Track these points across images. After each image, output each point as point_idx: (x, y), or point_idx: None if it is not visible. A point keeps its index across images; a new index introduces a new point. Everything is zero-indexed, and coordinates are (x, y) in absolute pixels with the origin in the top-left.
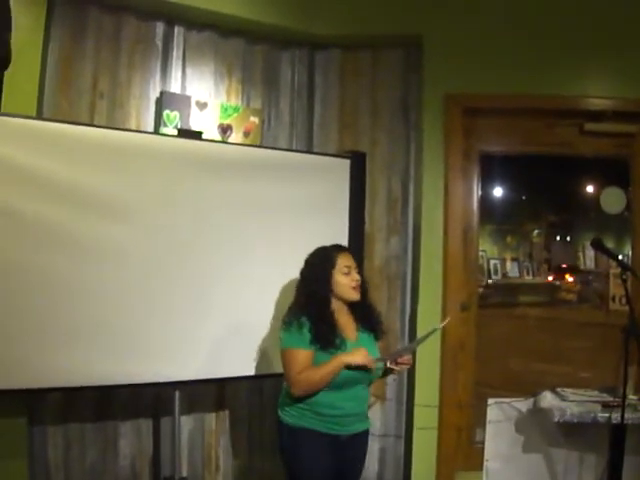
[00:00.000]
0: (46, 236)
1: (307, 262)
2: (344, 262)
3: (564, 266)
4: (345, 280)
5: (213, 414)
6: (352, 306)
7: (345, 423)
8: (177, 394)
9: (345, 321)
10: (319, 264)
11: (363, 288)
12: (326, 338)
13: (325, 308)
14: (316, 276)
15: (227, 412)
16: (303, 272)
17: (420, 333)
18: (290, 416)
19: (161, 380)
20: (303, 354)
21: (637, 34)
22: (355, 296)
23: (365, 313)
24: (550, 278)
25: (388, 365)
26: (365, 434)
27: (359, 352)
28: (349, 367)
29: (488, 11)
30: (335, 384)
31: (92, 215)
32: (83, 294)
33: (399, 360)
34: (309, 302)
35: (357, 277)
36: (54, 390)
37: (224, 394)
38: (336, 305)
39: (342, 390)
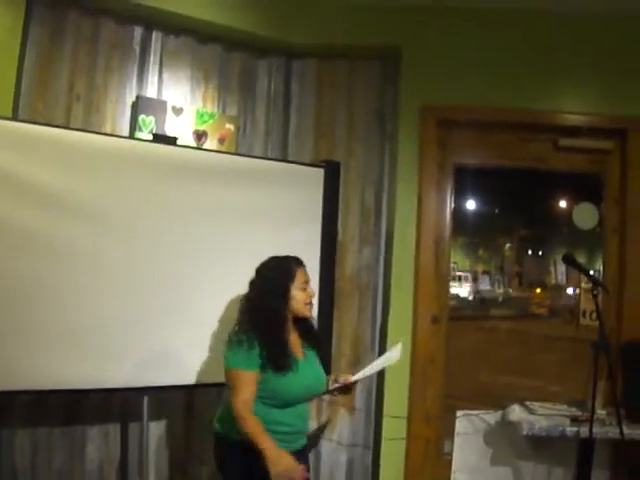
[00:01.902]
0: (18, 239)
1: (261, 273)
2: (302, 277)
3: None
4: (301, 296)
5: (182, 421)
6: (296, 322)
7: (290, 440)
8: (146, 400)
9: (293, 338)
10: (277, 277)
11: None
12: (279, 361)
13: (280, 325)
14: (271, 288)
15: (196, 419)
16: (256, 283)
17: (377, 359)
18: (232, 430)
19: (130, 385)
20: (249, 376)
21: (614, 51)
22: (307, 312)
23: (308, 330)
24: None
25: (330, 389)
26: (304, 450)
27: (284, 461)
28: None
29: (465, 24)
30: (284, 403)
31: (66, 218)
32: (53, 297)
33: (341, 381)
34: (263, 318)
35: (313, 293)
36: (22, 393)
37: (193, 401)
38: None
39: (290, 408)
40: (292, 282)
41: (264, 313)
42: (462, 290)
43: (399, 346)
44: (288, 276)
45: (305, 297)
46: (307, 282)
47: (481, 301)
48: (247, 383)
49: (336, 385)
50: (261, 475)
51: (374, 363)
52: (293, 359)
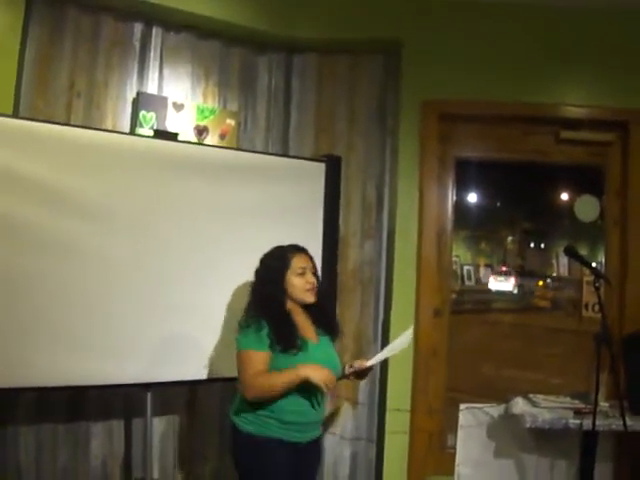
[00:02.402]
0: (20, 236)
1: (262, 262)
2: (299, 263)
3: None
4: (299, 282)
5: (185, 416)
6: (308, 308)
7: (306, 430)
8: (149, 396)
9: (303, 322)
10: (273, 264)
11: (319, 290)
12: (287, 339)
13: (281, 309)
14: (270, 277)
15: (199, 414)
16: (258, 272)
17: (390, 344)
18: (250, 423)
19: (133, 381)
20: (260, 356)
21: (615, 43)
22: (309, 298)
23: (321, 315)
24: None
25: (347, 373)
26: (318, 441)
27: (323, 371)
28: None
29: (467, 19)
30: (300, 390)
31: (67, 214)
32: (56, 294)
33: (359, 372)
34: (265, 303)
35: (312, 279)
36: (26, 390)
37: (196, 396)
38: (292, 307)
39: (306, 397)
40: (287, 269)
41: (266, 299)
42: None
43: (410, 331)
44: (283, 264)
45: (303, 283)
46: (305, 268)
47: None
48: (258, 362)
49: (351, 370)
50: (282, 470)
51: (387, 348)
52: (302, 340)
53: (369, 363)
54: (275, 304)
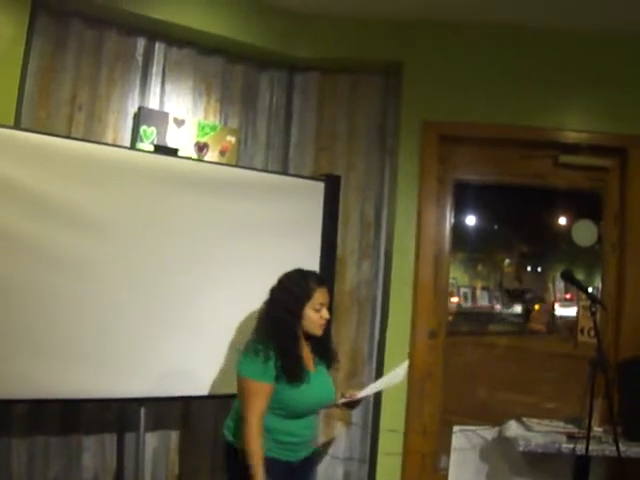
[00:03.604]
0: (17, 247)
1: (283, 284)
2: (320, 299)
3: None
4: (315, 317)
5: (178, 432)
6: (308, 337)
7: (299, 449)
8: (142, 410)
9: (305, 352)
10: (295, 292)
11: (328, 324)
12: (293, 372)
13: (293, 340)
14: (289, 304)
15: (192, 430)
16: (276, 293)
17: (385, 376)
18: (243, 442)
19: (127, 396)
20: (265, 388)
21: (614, 70)
22: (319, 332)
23: (320, 344)
24: (519, 309)
25: (338, 404)
26: (311, 458)
27: None
28: None
29: (468, 41)
30: (295, 414)
31: (66, 227)
32: (51, 307)
33: (350, 403)
34: (278, 329)
35: (327, 315)
36: (19, 402)
37: (190, 412)
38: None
39: (301, 419)
40: (308, 301)
41: (278, 326)
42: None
43: (405, 365)
44: (305, 295)
45: (318, 318)
46: (323, 304)
47: (479, 316)
48: (261, 395)
49: (342, 400)
50: None
51: (379, 381)
52: (306, 371)
53: (361, 395)
54: (288, 334)
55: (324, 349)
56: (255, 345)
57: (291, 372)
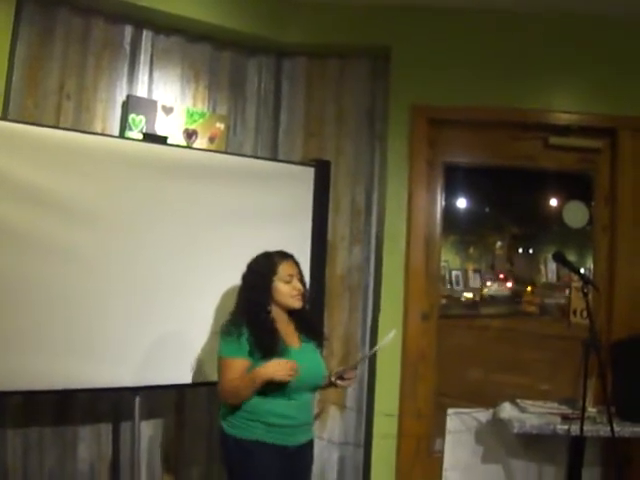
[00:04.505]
0: (6, 237)
1: (249, 267)
2: (286, 270)
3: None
4: (286, 288)
5: (173, 420)
6: (292, 315)
7: (294, 433)
8: (137, 400)
9: (286, 329)
10: (260, 270)
11: (305, 297)
12: (267, 346)
13: (264, 315)
14: (257, 283)
15: (187, 418)
16: (245, 277)
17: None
18: (235, 427)
19: (121, 385)
20: (238, 363)
21: (604, 50)
22: (295, 304)
23: (305, 322)
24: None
25: (332, 380)
26: (310, 444)
27: (278, 365)
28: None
29: (455, 24)
30: (282, 392)
31: (55, 217)
32: (43, 297)
33: (345, 376)
34: (248, 308)
35: (298, 286)
36: (14, 393)
37: (185, 400)
38: (276, 313)
39: (292, 398)
40: (275, 275)
41: (250, 305)
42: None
43: (392, 334)
44: (270, 269)
45: (290, 290)
46: (292, 275)
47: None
48: (235, 369)
49: (336, 374)
50: (270, 473)
51: (369, 350)
52: (283, 346)
53: (351, 365)
54: (258, 310)
55: (307, 325)
56: (229, 325)
57: (264, 346)
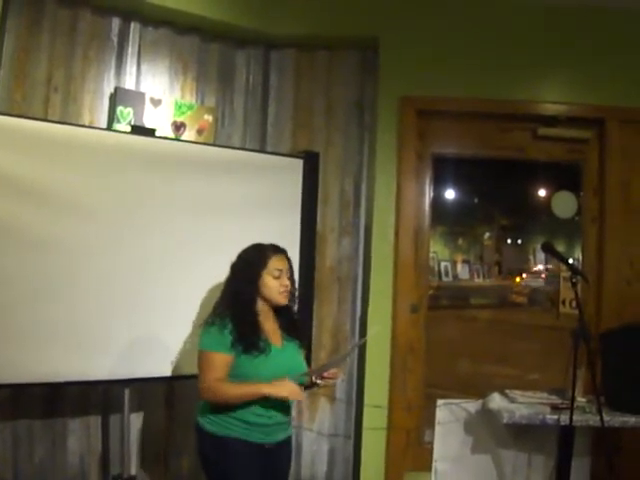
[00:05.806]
0: None
1: (239, 257)
2: (276, 265)
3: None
4: (273, 283)
5: (163, 412)
6: (277, 312)
7: (271, 432)
8: (127, 392)
9: (270, 326)
10: (250, 261)
11: (293, 295)
12: (249, 341)
13: (249, 309)
14: (244, 274)
15: (177, 410)
16: (233, 266)
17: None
18: (213, 424)
19: (111, 378)
20: (221, 358)
21: (592, 41)
22: (281, 300)
23: (291, 321)
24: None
25: (314, 380)
26: (288, 442)
27: (285, 386)
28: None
29: (444, 15)
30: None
31: (43, 209)
32: (31, 290)
33: (325, 375)
34: (234, 300)
35: (286, 282)
36: (2, 387)
37: (174, 392)
38: (262, 308)
39: (271, 398)
40: (264, 268)
41: (235, 296)
42: None
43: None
44: (260, 262)
45: (277, 285)
46: (282, 271)
47: (460, 290)
48: (217, 365)
49: (315, 372)
50: (248, 471)
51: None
52: (265, 343)
53: (325, 363)
54: (244, 302)
55: (292, 325)
56: (212, 317)
57: (246, 340)
